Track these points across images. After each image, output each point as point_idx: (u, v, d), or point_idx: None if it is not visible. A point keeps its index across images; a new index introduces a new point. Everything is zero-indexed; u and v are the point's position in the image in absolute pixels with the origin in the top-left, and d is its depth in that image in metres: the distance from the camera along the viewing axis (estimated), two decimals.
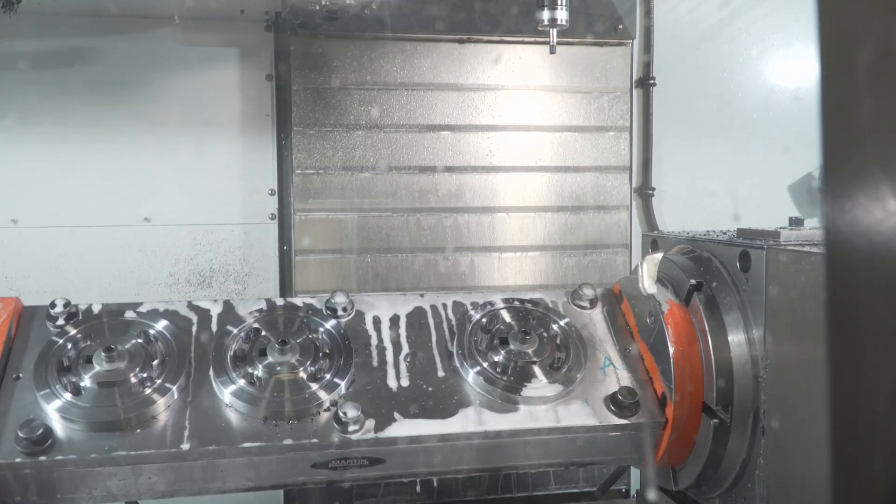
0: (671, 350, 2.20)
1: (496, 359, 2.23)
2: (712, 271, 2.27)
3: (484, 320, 2.31)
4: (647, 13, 3.43)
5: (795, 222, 2.26)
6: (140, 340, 2.08)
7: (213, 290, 3.09)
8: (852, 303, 0.77)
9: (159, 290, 3.04)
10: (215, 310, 2.24)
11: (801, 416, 1.91)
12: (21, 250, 2.94)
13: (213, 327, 2.20)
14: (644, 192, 3.45)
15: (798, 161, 3.53)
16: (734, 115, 3.54)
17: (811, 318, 1.85)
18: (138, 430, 1.96)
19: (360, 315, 2.30)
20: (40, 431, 1.87)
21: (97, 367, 2.01)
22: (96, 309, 2.20)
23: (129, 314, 2.19)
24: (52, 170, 2.96)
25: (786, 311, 1.96)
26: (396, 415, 2.09)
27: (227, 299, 2.28)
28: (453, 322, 2.33)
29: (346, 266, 3.11)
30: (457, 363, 2.23)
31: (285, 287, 3.13)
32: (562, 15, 2.50)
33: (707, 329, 2.20)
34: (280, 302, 2.29)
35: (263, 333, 2.16)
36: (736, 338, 2.14)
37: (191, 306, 2.24)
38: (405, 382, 2.17)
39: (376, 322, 2.29)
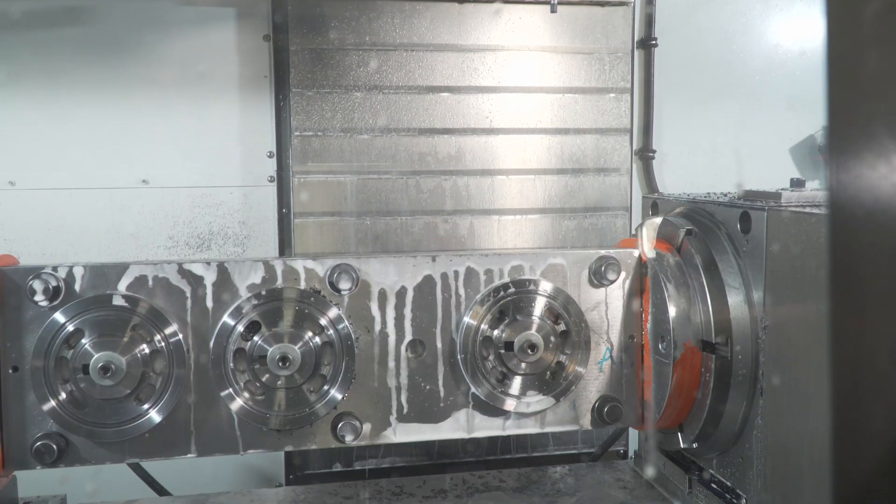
0: (666, 294, 2.22)
1: (499, 369, 2.27)
2: (712, 233, 2.26)
3: (486, 323, 2.27)
4: None
5: (796, 183, 2.24)
6: (137, 353, 2.07)
7: (213, 253, 3.08)
8: (855, 259, 0.77)
9: (159, 253, 3.04)
10: (209, 278, 2.15)
11: (799, 377, 1.92)
12: (19, 212, 2.93)
13: (209, 306, 2.15)
14: (645, 154, 3.43)
15: (800, 123, 3.51)
16: (736, 76, 3.51)
17: (811, 280, 1.85)
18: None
19: (365, 289, 2.22)
20: (55, 449, 2.05)
21: (97, 383, 2.03)
22: (79, 279, 2.09)
23: (118, 300, 2.08)
24: (49, 131, 2.94)
25: (786, 273, 1.96)
26: (392, 419, 2.25)
27: (223, 262, 2.16)
28: (462, 298, 2.27)
29: (345, 229, 3.10)
30: (460, 369, 2.27)
31: (284, 250, 3.12)
32: None
33: (702, 270, 2.20)
34: (279, 268, 2.18)
35: (263, 335, 2.13)
36: (735, 299, 2.14)
37: (182, 272, 2.14)
38: (404, 380, 2.26)
39: (381, 299, 2.24)
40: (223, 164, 3.08)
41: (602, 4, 3.25)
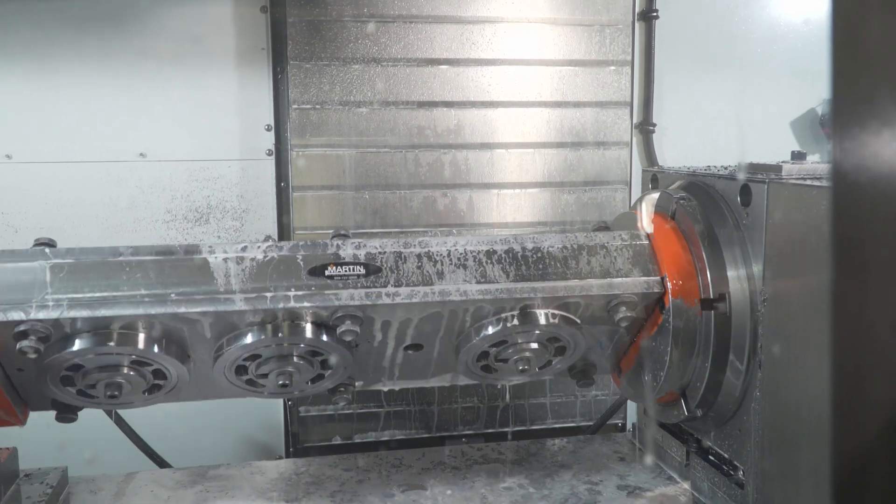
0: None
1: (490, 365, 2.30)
2: (712, 206, 2.26)
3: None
4: None
5: (797, 156, 2.23)
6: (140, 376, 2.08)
7: (211, 227, 3.07)
8: (858, 227, 0.76)
9: (157, 227, 3.03)
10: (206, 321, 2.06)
11: (798, 350, 1.92)
12: (16, 186, 2.92)
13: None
14: (645, 127, 3.42)
15: (802, 96, 3.50)
16: (738, 48, 3.49)
17: (812, 252, 1.84)
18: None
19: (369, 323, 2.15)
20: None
21: (104, 394, 2.04)
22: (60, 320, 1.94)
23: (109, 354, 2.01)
24: (45, 104, 2.92)
25: (786, 246, 1.95)
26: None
27: (218, 311, 2.02)
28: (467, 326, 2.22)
29: (343, 203, 3.09)
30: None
31: (283, 224, 3.11)
32: None
33: (696, 234, 2.20)
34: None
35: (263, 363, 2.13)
36: (735, 272, 2.14)
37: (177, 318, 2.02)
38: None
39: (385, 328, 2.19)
40: (221, 137, 3.06)
41: None
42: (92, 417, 2.56)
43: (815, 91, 3.50)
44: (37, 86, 2.91)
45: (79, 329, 1.95)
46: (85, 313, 1.92)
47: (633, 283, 2.21)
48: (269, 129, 3.07)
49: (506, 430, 3.30)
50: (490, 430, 3.29)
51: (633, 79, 3.30)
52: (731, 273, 2.14)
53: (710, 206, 2.26)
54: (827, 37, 0.85)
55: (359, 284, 2.08)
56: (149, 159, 3.00)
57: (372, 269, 2.09)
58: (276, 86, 3.06)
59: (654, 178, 2.68)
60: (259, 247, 2.07)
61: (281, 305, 2.03)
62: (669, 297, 2.19)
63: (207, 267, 2.03)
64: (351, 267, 2.08)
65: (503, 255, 2.16)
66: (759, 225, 2.05)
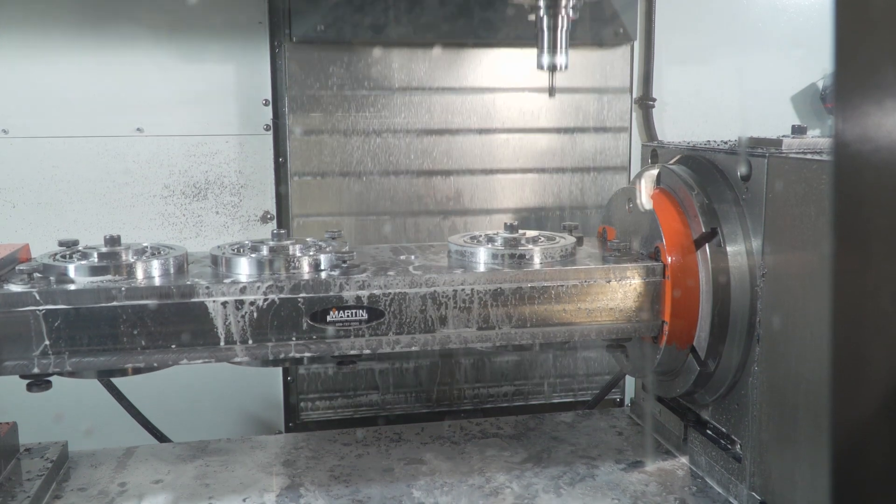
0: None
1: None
2: (712, 180, 2.25)
3: None
4: None
5: (798, 130, 2.22)
6: None
7: (209, 202, 3.06)
8: (860, 197, 0.76)
9: (155, 203, 3.02)
10: None
11: (796, 325, 1.92)
12: (13, 161, 2.90)
13: None
14: (644, 102, 3.39)
15: (802, 70, 3.48)
16: (739, 22, 3.46)
17: (811, 227, 1.84)
18: None
19: None
20: None
21: None
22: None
23: None
24: (42, 79, 2.89)
25: (786, 220, 1.95)
26: None
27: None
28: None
29: (343, 181, 3.08)
30: None
31: (281, 201, 3.09)
32: (562, 60, 2.40)
33: (695, 206, 2.21)
34: None
35: None
36: (734, 248, 2.14)
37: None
38: None
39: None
40: (218, 112, 3.03)
41: None
42: (91, 393, 2.58)
43: (816, 65, 3.48)
44: (33, 60, 2.88)
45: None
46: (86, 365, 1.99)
47: (634, 328, 2.27)
48: (266, 104, 3.05)
49: (504, 405, 3.31)
50: (489, 406, 3.30)
51: (632, 56, 3.28)
52: (730, 248, 2.14)
53: (710, 181, 2.25)
54: (830, 7, 0.84)
55: (360, 332, 2.08)
56: (146, 134, 2.98)
57: (375, 314, 2.09)
58: (274, 60, 3.03)
59: (654, 152, 2.67)
60: (259, 287, 2.04)
61: (282, 356, 2.06)
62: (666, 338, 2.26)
63: (206, 314, 2.02)
64: (353, 312, 2.08)
65: (510, 296, 2.16)
66: (759, 199, 2.05)
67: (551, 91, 2.51)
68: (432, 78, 3.11)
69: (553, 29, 2.33)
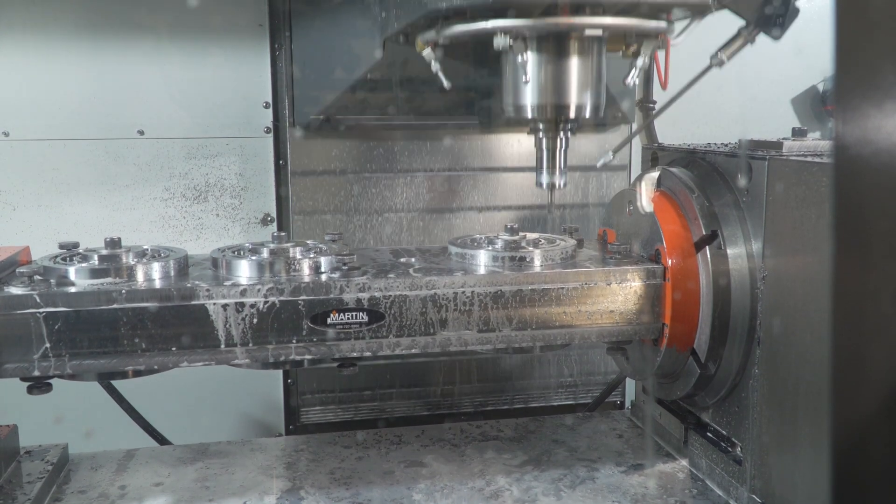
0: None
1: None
2: (713, 183, 2.25)
3: None
4: None
5: (798, 133, 2.23)
6: None
7: (210, 205, 3.06)
8: (860, 199, 0.76)
9: (155, 205, 3.02)
10: None
11: (797, 327, 1.92)
12: (14, 163, 2.90)
13: None
14: (645, 105, 3.39)
15: (802, 73, 3.48)
16: (739, 23, 3.46)
17: (812, 229, 1.84)
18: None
19: None
20: None
21: None
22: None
23: None
24: (42, 81, 2.89)
25: (786, 222, 1.95)
26: None
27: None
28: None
29: (343, 183, 3.08)
30: None
31: (282, 203, 3.09)
32: (561, 181, 2.42)
33: (696, 208, 2.21)
34: None
35: None
36: (735, 250, 2.14)
37: None
38: None
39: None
40: (219, 114, 3.04)
41: None
42: (91, 396, 2.58)
43: (816, 67, 3.48)
44: (34, 63, 2.88)
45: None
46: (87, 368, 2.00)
47: (634, 331, 2.27)
48: (267, 107, 3.05)
49: (505, 407, 3.31)
50: (490, 409, 3.30)
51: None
52: (731, 251, 2.14)
53: (710, 184, 2.26)
54: (830, 10, 0.85)
55: (360, 335, 2.08)
56: (147, 136, 2.99)
57: (375, 317, 2.09)
58: (274, 63, 3.03)
59: (655, 155, 2.67)
60: (259, 289, 2.04)
61: (282, 359, 2.06)
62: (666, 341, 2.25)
63: (207, 316, 2.03)
64: (354, 314, 2.08)
65: (510, 298, 2.16)
66: (760, 202, 2.05)
67: (550, 208, 2.55)
68: None
69: (551, 150, 2.36)
